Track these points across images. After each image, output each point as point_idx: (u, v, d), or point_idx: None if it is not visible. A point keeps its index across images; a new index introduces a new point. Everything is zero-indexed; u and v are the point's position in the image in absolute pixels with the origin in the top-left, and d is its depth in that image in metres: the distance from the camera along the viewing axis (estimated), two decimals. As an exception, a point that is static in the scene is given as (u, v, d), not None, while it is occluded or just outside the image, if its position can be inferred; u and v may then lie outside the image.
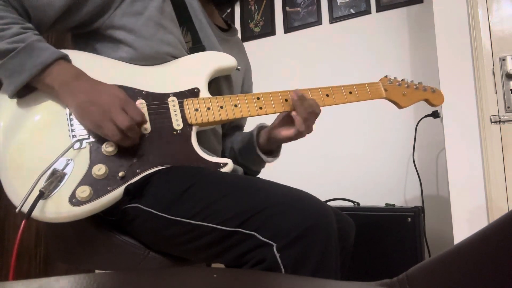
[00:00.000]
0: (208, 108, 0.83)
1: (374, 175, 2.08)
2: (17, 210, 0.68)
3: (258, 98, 0.88)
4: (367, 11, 2.22)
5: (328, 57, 2.29)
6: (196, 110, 0.82)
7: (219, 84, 0.96)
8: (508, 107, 1.43)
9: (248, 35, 2.56)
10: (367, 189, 2.07)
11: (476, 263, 0.33)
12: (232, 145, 1.05)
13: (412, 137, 1.95)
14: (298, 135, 0.89)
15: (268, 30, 2.51)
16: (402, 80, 1.04)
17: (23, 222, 0.66)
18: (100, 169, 0.71)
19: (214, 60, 0.90)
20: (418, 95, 1.04)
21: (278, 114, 0.93)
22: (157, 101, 0.81)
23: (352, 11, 2.26)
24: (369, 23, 2.21)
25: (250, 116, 0.89)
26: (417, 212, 1.50)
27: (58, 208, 0.68)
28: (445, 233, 1.79)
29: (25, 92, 0.74)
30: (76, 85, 0.72)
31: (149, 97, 0.80)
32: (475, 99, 1.49)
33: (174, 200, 0.70)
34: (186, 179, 0.72)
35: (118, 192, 0.72)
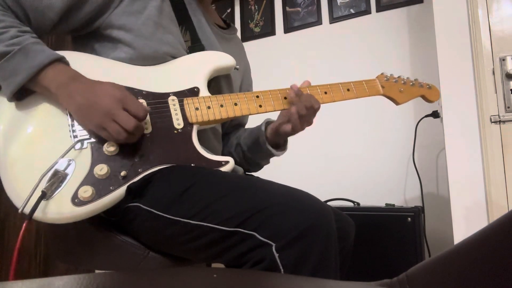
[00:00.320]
0: (209, 107, 0.84)
1: (374, 175, 2.08)
2: (19, 211, 0.67)
3: (257, 97, 0.89)
4: (367, 11, 2.22)
5: (328, 57, 2.29)
6: (197, 109, 0.83)
7: (219, 83, 0.96)
8: (508, 107, 1.43)
9: (248, 35, 2.56)
10: (367, 189, 2.07)
11: (476, 263, 0.33)
12: (238, 141, 1.05)
13: (412, 137, 1.95)
14: (295, 129, 0.90)
15: (268, 30, 2.51)
16: (398, 77, 1.05)
17: (24, 224, 0.66)
18: (102, 169, 0.71)
19: (213, 59, 0.90)
20: (415, 92, 1.06)
21: (278, 111, 0.94)
22: (157, 101, 0.81)
23: (352, 11, 2.26)
24: (369, 23, 2.21)
25: (250, 114, 0.90)
26: (417, 212, 1.50)
27: (60, 209, 0.68)
28: (445, 233, 1.79)
29: (24, 95, 0.74)
30: (73, 87, 0.72)
31: (149, 96, 0.80)
32: (475, 99, 1.49)
33: (174, 200, 0.70)
34: (186, 179, 0.72)
35: (120, 191, 0.72)
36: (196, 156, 0.79)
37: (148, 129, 0.77)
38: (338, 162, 2.18)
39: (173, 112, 0.81)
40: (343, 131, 2.20)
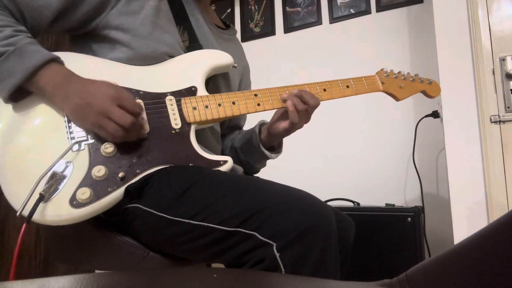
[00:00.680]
0: (206, 106, 0.83)
1: (374, 175, 2.08)
2: (17, 213, 0.67)
3: (256, 95, 0.89)
4: (367, 11, 2.22)
5: (328, 57, 2.29)
6: (194, 108, 0.82)
7: (217, 82, 0.96)
8: (508, 107, 1.43)
9: (248, 35, 2.56)
10: (367, 189, 2.06)
11: (476, 263, 0.33)
12: (232, 143, 1.05)
13: (412, 137, 1.95)
14: (294, 125, 0.90)
15: (268, 30, 2.50)
16: (398, 72, 1.04)
17: (23, 226, 0.66)
18: (100, 171, 0.71)
19: (211, 58, 0.90)
20: (415, 87, 1.05)
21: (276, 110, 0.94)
22: (155, 101, 0.80)
23: (352, 11, 2.26)
24: (369, 23, 2.21)
25: (248, 113, 0.89)
26: (417, 212, 1.50)
27: (58, 211, 0.68)
28: (445, 233, 1.79)
29: (20, 97, 0.74)
30: (68, 88, 0.72)
31: (146, 96, 0.80)
32: (475, 99, 1.49)
33: (174, 200, 0.70)
34: (185, 179, 0.72)
35: (119, 192, 0.72)
36: (194, 156, 0.79)
37: (146, 129, 0.77)
38: (338, 162, 2.18)
39: (170, 112, 0.80)
40: (343, 131, 2.20)
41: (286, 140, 1.02)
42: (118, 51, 0.83)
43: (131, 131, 0.72)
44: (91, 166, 0.72)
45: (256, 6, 2.56)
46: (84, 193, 0.69)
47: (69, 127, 0.74)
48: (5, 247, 1.75)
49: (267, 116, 0.98)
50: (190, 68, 0.87)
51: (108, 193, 0.71)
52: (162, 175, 0.74)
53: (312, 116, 0.93)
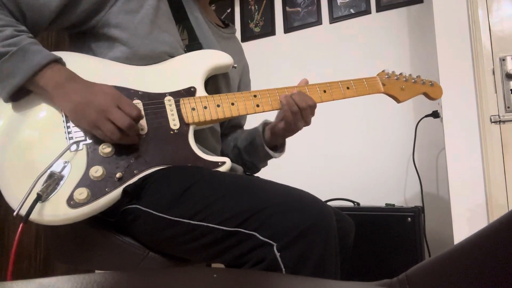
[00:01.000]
0: (205, 107, 0.83)
1: (374, 175, 2.08)
2: (14, 213, 0.67)
3: (255, 96, 0.88)
4: (367, 11, 2.22)
5: (328, 57, 2.29)
6: (193, 109, 0.82)
7: (217, 82, 0.96)
8: (508, 107, 1.43)
9: (248, 35, 2.56)
10: (367, 189, 2.06)
11: (476, 263, 0.33)
12: (236, 143, 1.05)
13: (412, 137, 1.95)
14: (289, 127, 0.89)
15: (268, 30, 2.50)
16: (400, 74, 1.03)
17: (20, 226, 0.66)
18: (97, 171, 0.71)
19: (210, 58, 0.90)
20: (417, 89, 1.03)
21: (276, 111, 0.93)
22: (154, 101, 0.80)
23: (352, 11, 2.26)
24: (369, 23, 2.21)
25: (247, 114, 0.89)
26: (417, 212, 1.50)
27: (56, 211, 0.68)
28: (445, 233, 1.79)
29: (20, 96, 0.74)
30: (69, 87, 0.72)
31: (145, 97, 0.80)
32: (475, 99, 1.49)
33: (174, 201, 0.70)
34: (185, 179, 0.72)
35: (116, 193, 0.72)
36: (193, 157, 0.79)
37: (144, 130, 0.77)
38: (338, 162, 2.18)
39: (169, 113, 0.80)
40: (343, 131, 2.20)
41: (286, 140, 1.02)
42: (116, 50, 0.83)
43: (127, 134, 0.72)
44: (88, 166, 0.72)
45: (256, 6, 2.56)
46: (82, 193, 0.69)
47: (68, 127, 0.74)
48: (5, 247, 1.75)
49: (271, 116, 0.98)
50: (189, 69, 0.87)
51: (105, 193, 0.71)
52: (161, 176, 0.74)
53: (312, 116, 0.92)
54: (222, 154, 1.05)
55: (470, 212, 1.45)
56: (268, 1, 2.53)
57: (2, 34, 0.71)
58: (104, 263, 0.82)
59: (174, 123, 0.80)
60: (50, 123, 0.74)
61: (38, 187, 0.68)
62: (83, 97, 0.71)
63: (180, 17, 0.92)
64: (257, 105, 0.88)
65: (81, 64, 0.79)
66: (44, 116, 0.75)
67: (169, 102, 0.81)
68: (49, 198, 0.69)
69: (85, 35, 0.85)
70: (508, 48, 1.46)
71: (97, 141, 0.74)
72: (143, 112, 0.78)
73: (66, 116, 0.74)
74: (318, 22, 2.35)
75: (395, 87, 1.01)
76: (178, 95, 0.83)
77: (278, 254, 0.59)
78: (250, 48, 2.41)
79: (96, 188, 0.71)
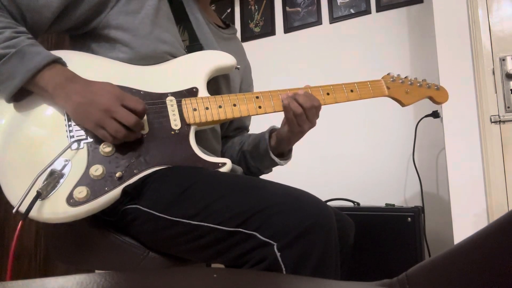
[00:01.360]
0: (207, 108, 0.83)
1: (374, 175, 2.08)
2: (14, 210, 0.67)
3: (257, 97, 0.88)
4: (367, 11, 2.22)
5: (328, 57, 2.29)
6: (195, 109, 0.82)
7: (218, 83, 0.96)
8: (508, 107, 1.43)
9: (248, 35, 2.56)
10: (367, 189, 2.06)
11: (476, 263, 0.33)
12: (241, 147, 1.04)
13: (412, 137, 1.95)
14: (294, 129, 0.87)
15: (268, 30, 2.50)
16: (405, 77, 1.02)
17: (20, 223, 0.66)
18: (97, 170, 0.71)
19: (214, 59, 0.90)
20: (422, 93, 1.02)
21: (278, 113, 0.93)
22: (155, 101, 0.80)
23: (352, 11, 2.26)
24: (369, 23, 2.21)
25: (249, 115, 0.89)
26: (417, 212, 1.50)
27: (55, 209, 0.68)
28: (445, 233, 1.79)
29: (22, 96, 0.74)
30: (70, 87, 0.72)
31: (147, 97, 0.80)
32: (475, 99, 1.49)
33: (174, 201, 0.70)
34: (185, 179, 0.72)
35: (116, 192, 0.72)
36: (193, 157, 0.79)
37: (145, 129, 0.77)
38: (338, 162, 2.18)
39: (170, 113, 0.80)
40: (343, 131, 2.20)
41: (292, 148, 1.00)
42: (118, 51, 0.83)
43: (132, 132, 0.72)
44: (89, 165, 0.72)
45: (256, 6, 2.56)
46: (81, 192, 0.69)
47: (69, 126, 0.74)
48: (5, 247, 1.75)
49: (269, 117, 0.98)
50: (192, 69, 0.86)
51: (105, 192, 0.71)
52: (161, 176, 0.74)
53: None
54: (225, 156, 1.05)
55: (470, 212, 1.45)
56: (268, 1, 2.53)
57: (1, 36, 0.71)
58: (104, 263, 0.82)
59: (175, 123, 0.80)
60: (52, 121, 0.74)
61: (38, 185, 0.68)
62: (84, 97, 0.71)
63: (181, 17, 0.92)
64: (259, 107, 0.87)
65: (83, 62, 0.79)
66: (46, 115, 0.75)
67: (170, 102, 0.81)
68: (49, 196, 0.69)
69: (86, 37, 0.85)
70: (508, 48, 1.46)
71: (98, 140, 0.74)
72: (145, 117, 0.77)
73: (67, 115, 0.74)
74: (318, 22, 2.35)
75: (400, 90, 1.00)
76: (180, 95, 0.83)
77: (278, 254, 0.59)
78: (250, 48, 2.40)
79: (95, 187, 0.71)
